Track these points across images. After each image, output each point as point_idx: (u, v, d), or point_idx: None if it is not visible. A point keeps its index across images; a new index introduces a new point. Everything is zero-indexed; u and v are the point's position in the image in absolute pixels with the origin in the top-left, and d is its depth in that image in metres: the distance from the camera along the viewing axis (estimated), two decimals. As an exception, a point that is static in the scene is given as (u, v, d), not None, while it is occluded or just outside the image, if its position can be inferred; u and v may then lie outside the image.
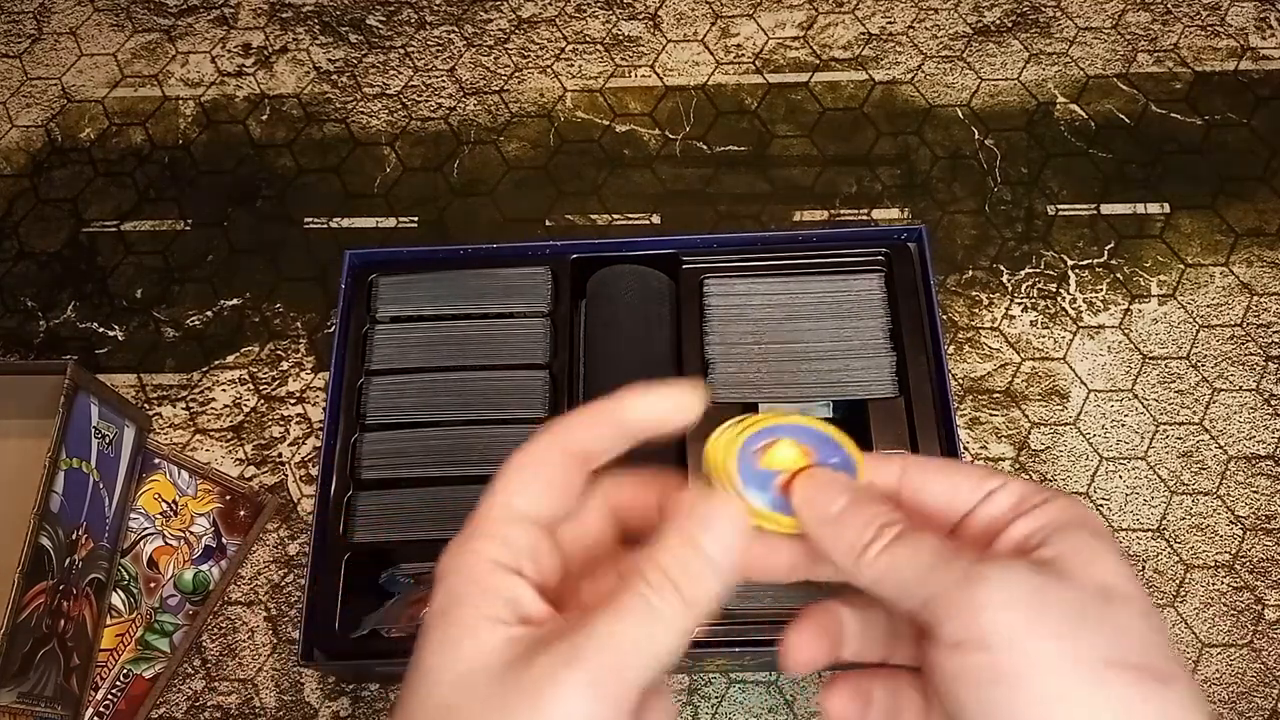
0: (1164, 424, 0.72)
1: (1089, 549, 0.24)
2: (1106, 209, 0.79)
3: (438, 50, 0.88)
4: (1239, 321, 0.75)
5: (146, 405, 0.74)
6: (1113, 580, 0.23)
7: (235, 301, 0.78)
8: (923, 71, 0.85)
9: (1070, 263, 0.77)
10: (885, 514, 0.25)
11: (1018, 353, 0.74)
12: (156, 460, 0.71)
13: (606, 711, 0.21)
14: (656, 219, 0.80)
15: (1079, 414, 0.72)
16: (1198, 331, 0.74)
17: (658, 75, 0.86)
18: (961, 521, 0.26)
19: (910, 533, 0.24)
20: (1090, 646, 0.22)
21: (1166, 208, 0.79)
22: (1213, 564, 0.67)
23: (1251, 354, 0.74)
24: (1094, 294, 0.76)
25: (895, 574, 0.24)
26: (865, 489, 0.26)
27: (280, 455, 0.72)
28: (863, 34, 0.87)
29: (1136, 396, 0.73)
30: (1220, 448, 0.71)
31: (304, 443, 0.73)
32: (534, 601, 0.24)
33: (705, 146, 0.83)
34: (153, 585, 0.68)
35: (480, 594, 0.23)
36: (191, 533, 0.69)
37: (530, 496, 0.25)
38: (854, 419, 0.64)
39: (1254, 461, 0.70)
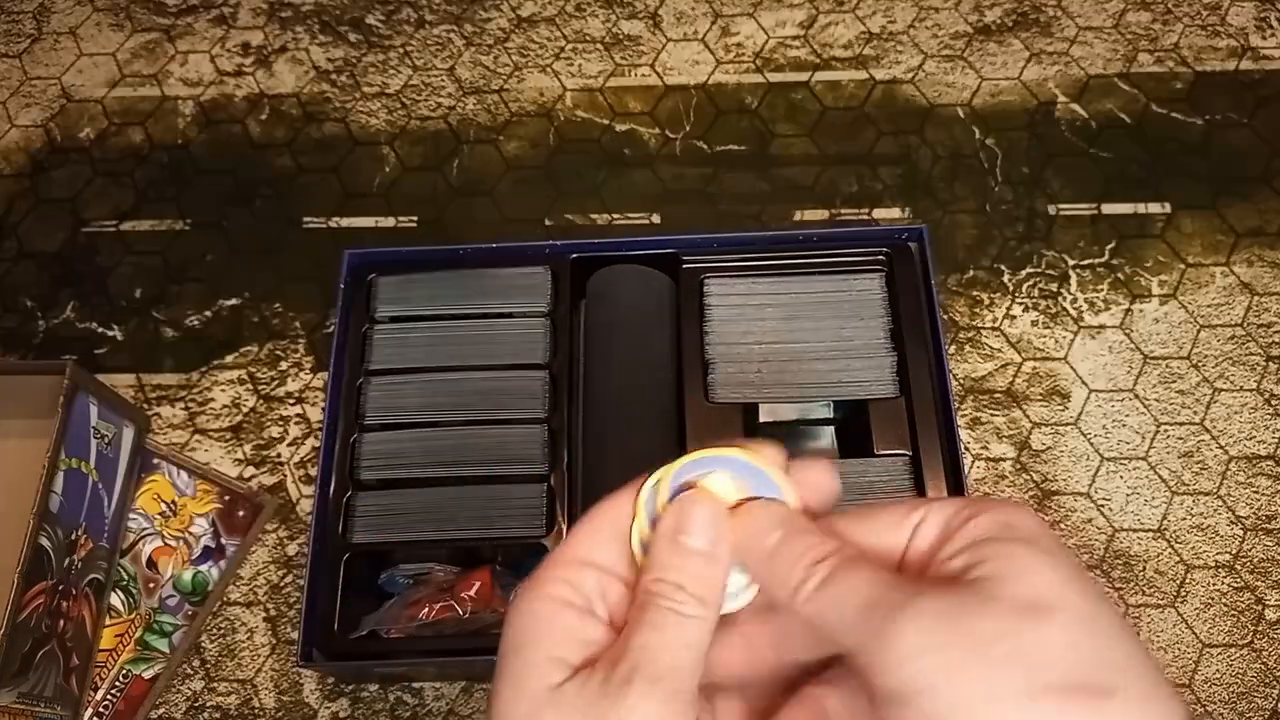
0: (1165, 424, 0.71)
1: (1018, 561, 0.22)
2: (1107, 209, 0.79)
3: (437, 49, 0.87)
4: (1240, 321, 0.75)
5: (146, 405, 0.74)
6: (1043, 592, 0.22)
7: (234, 301, 0.78)
8: (923, 71, 0.85)
9: (1071, 262, 0.77)
10: (818, 547, 0.24)
11: (1019, 353, 0.74)
12: (156, 460, 0.71)
13: (675, 710, 0.23)
14: (656, 219, 0.80)
15: (1080, 414, 0.72)
16: (1198, 331, 0.74)
17: (658, 74, 0.86)
18: (901, 561, 0.25)
19: (842, 569, 0.23)
20: (1011, 679, 0.21)
21: (1167, 207, 0.79)
22: (1213, 564, 0.67)
23: (1252, 354, 0.73)
24: (1095, 294, 0.76)
25: (827, 616, 0.23)
26: (798, 519, 0.25)
27: (279, 455, 0.72)
28: (863, 33, 0.87)
29: (1137, 396, 0.72)
30: (1221, 448, 0.71)
31: (303, 443, 0.73)
32: (608, 637, 0.24)
33: (705, 146, 0.83)
34: (152, 586, 0.67)
35: (549, 633, 0.24)
36: (191, 533, 0.69)
37: (600, 545, 0.25)
38: (854, 419, 0.64)
39: (1255, 461, 0.70)
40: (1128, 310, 0.75)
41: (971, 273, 0.77)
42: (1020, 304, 0.76)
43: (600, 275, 0.65)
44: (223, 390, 0.75)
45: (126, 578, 0.67)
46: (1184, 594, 0.67)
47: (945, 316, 0.75)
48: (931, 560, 0.24)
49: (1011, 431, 0.72)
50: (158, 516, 0.69)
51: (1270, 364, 0.73)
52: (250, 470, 0.72)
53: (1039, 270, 0.77)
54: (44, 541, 0.58)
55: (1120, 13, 0.87)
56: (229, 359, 0.76)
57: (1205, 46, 0.85)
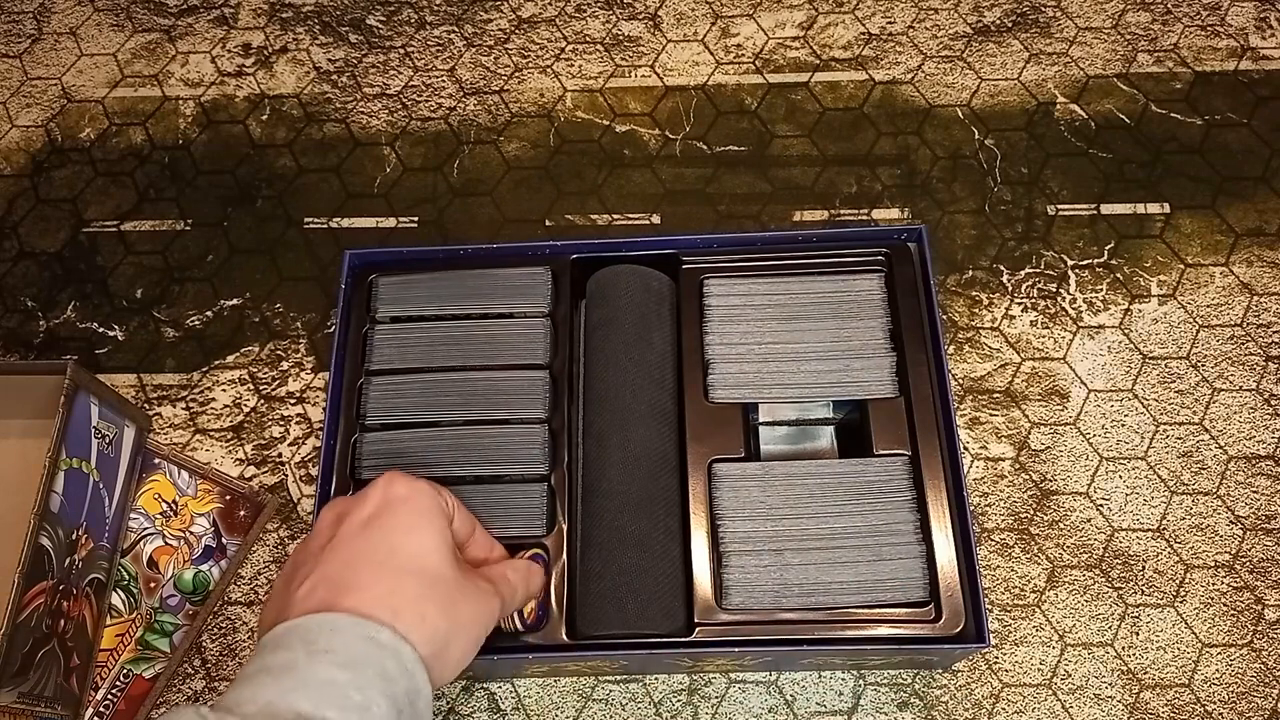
0: (1164, 424, 0.72)
1: None
2: (1106, 209, 0.79)
3: (438, 50, 0.88)
4: (1239, 321, 0.75)
5: (146, 405, 0.74)
6: None
7: (235, 301, 0.78)
8: (923, 71, 0.85)
9: (1070, 263, 0.77)
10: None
11: (1018, 353, 0.74)
12: (156, 460, 0.71)
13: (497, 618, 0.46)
14: (656, 219, 0.80)
15: (1079, 414, 0.72)
16: (1198, 331, 0.74)
17: (658, 75, 0.86)
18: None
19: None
20: None
21: (1166, 208, 0.79)
22: (1213, 564, 0.67)
23: (1251, 354, 0.74)
24: (1094, 294, 0.76)
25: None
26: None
27: (280, 455, 0.72)
28: (863, 34, 0.87)
29: (1136, 396, 0.73)
30: (1220, 448, 0.71)
31: (304, 443, 0.73)
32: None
33: (705, 146, 0.83)
34: (153, 585, 0.68)
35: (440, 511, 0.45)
36: (191, 533, 0.69)
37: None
38: (853, 419, 0.64)
39: (1254, 461, 0.70)
40: (1127, 310, 0.75)
41: (970, 273, 0.77)
42: (1019, 304, 0.76)
43: (600, 275, 0.65)
44: (224, 390, 0.75)
45: (127, 577, 0.68)
46: (1183, 594, 0.67)
47: (944, 316, 0.75)
48: None
49: (1010, 431, 0.72)
50: (159, 516, 0.69)
51: (1269, 364, 0.73)
52: (251, 470, 0.72)
53: (1038, 270, 0.77)
54: (45, 541, 0.58)
55: (1120, 13, 0.87)
56: (230, 359, 0.76)
57: (1205, 47, 0.85)
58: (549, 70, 0.86)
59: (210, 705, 0.35)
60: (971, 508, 0.69)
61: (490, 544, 0.51)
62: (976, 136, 0.82)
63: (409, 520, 0.42)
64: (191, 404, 0.74)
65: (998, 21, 0.87)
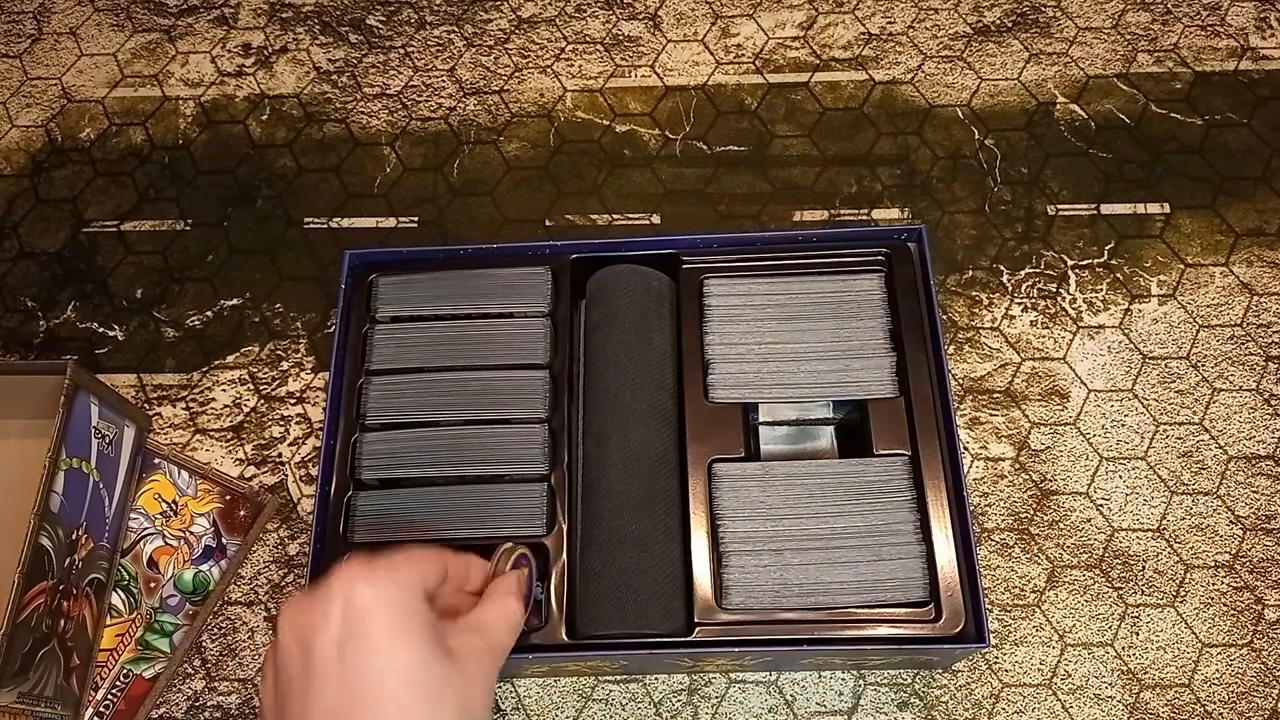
0: (1164, 424, 0.72)
1: None
2: (1106, 209, 0.79)
3: (438, 50, 0.88)
4: (1239, 321, 0.75)
5: (146, 405, 0.74)
6: None
7: (235, 301, 0.78)
8: (923, 71, 0.85)
9: (1070, 263, 0.77)
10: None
11: (1018, 353, 0.74)
12: (156, 460, 0.71)
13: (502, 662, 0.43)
14: (656, 219, 0.80)
15: (1079, 414, 0.72)
16: (1198, 331, 0.74)
17: (658, 75, 0.86)
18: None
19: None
20: None
21: (1166, 208, 0.79)
22: (1213, 564, 0.67)
23: (1251, 354, 0.74)
24: (1094, 294, 0.76)
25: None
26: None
27: (280, 455, 0.72)
28: (863, 34, 0.87)
29: (1136, 396, 0.73)
30: (1220, 448, 0.71)
31: (304, 443, 0.73)
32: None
33: (705, 146, 0.83)
34: (153, 585, 0.68)
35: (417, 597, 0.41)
36: (191, 533, 0.69)
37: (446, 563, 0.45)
38: (853, 419, 0.64)
39: (1254, 461, 0.70)
40: (1127, 310, 0.75)
41: (970, 273, 0.77)
42: (1019, 304, 0.76)
43: (600, 275, 0.65)
44: (224, 390, 0.75)
45: (127, 577, 0.68)
46: (1183, 594, 0.67)
47: (944, 317, 0.75)
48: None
49: (1010, 431, 0.72)
50: (159, 516, 0.69)
51: (1269, 364, 0.73)
52: (251, 470, 0.72)
53: (1038, 270, 0.77)
54: (45, 541, 0.58)
55: (1120, 13, 0.87)
56: (230, 359, 0.76)
57: (1205, 47, 0.85)
58: (549, 70, 0.86)
59: None
60: (971, 508, 0.69)
61: (464, 576, 0.47)
62: (976, 136, 0.82)
63: (385, 637, 0.38)
64: (191, 404, 0.74)
65: (998, 21, 0.87)
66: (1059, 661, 0.65)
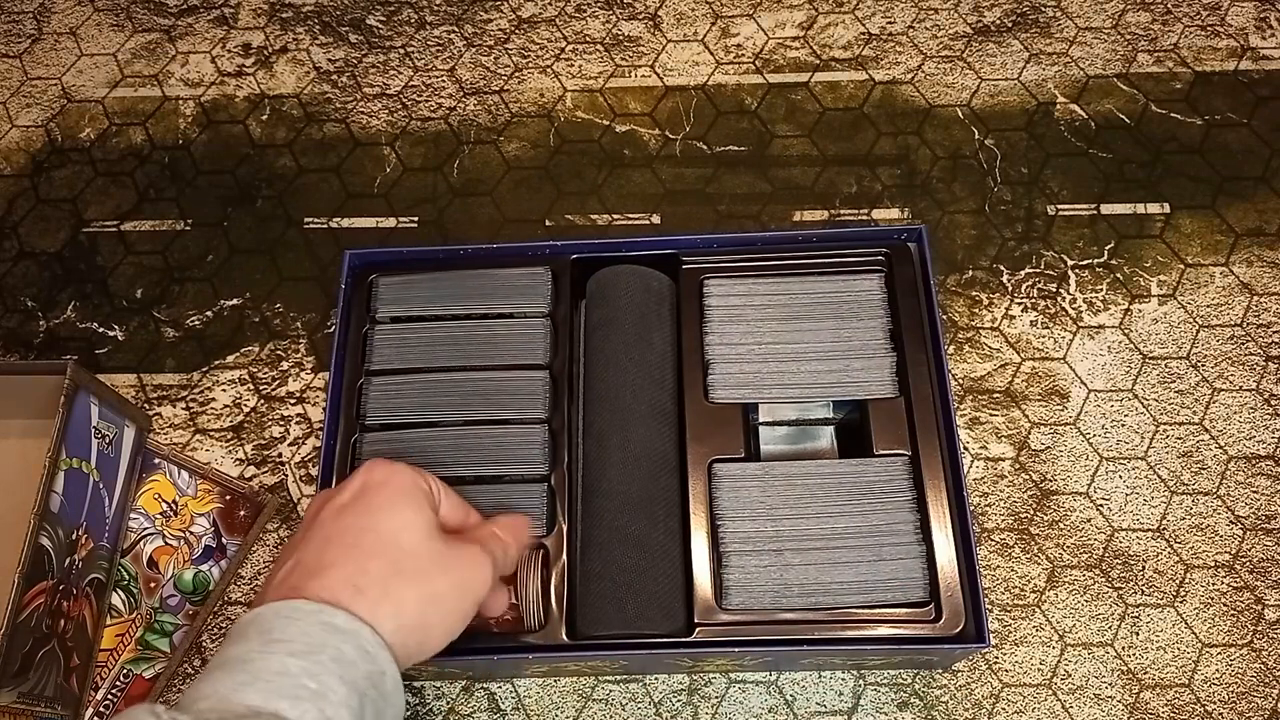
0: (1164, 424, 0.72)
1: None
2: (1106, 209, 0.79)
3: (438, 50, 0.88)
4: (1239, 321, 0.75)
5: (146, 405, 0.74)
6: None
7: (235, 301, 0.78)
8: (923, 71, 0.85)
9: (1070, 263, 0.77)
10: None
11: (1018, 353, 0.74)
12: (156, 460, 0.71)
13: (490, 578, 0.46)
14: (656, 219, 0.80)
15: (1079, 414, 0.72)
16: (1198, 331, 0.74)
17: (658, 75, 0.86)
18: None
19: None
20: None
21: (1166, 208, 0.79)
22: (1213, 564, 0.67)
23: (1251, 354, 0.74)
24: (1094, 294, 0.76)
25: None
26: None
27: (280, 455, 0.72)
28: (863, 34, 0.87)
29: (1136, 396, 0.73)
30: (1220, 448, 0.71)
31: (304, 443, 0.73)
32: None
33: (705, 146, 0.83)
34: (153, 585, 0.68)
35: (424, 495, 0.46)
36: (191, 533, 0.69)
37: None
38: (853, 419, 0.64)
39: (1254, 461, 0.70)
40: (1127, 310, 0.75)
41: (970, 273, 0.77)
42: (1019, 304, 0.76)
43: (600, 275, 0.65)
44: (224, 390, 0.75)
45: (127, 577, 0.68)
46: (1183, 594, 0.67)
47: (944, 317, 0.75)
48: None
49: (1010, 431, 0.72)
50: (159, 516, 0.69)
51: (1269, 364, 0.73)
52: (251, 470, 0.72)
53: (1038, 270, 0.77)
54: (45, 541, 0.58)
55: (1120, 13, 0.87)
56: (230, 359, 0.76)
57: (1205, 47, 0.85)
58: (549, 70, 0.86)
59: (165, 703, 0.36)
60: (971, 508, 0.69)
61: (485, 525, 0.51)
62: (976, 136, 0.82)
63: (384, 501, 0.43)
64: (191, 404, 0.74)
65: (998, 21, 0.87)
66: (1059, 661, 0.65)
